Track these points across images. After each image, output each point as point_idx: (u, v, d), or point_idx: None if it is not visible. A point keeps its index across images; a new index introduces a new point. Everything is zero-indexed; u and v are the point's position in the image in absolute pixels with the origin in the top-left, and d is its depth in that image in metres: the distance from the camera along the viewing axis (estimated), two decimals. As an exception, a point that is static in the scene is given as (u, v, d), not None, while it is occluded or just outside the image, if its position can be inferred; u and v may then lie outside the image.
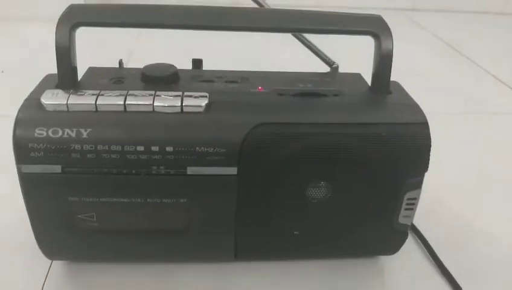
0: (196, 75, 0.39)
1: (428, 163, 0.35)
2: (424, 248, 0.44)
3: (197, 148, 0.33)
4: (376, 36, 0.37)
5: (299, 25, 0.37)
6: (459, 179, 0.56)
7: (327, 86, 0.39)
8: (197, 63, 0.41)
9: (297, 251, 0.40)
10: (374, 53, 0.38)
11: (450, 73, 0.91)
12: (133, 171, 0.33)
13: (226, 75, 0.40)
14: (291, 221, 0.37)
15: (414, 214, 0.38)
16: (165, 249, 0.38)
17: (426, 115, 0.36)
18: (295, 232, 0.37)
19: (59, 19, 0.35)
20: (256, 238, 0.38)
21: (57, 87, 0.35)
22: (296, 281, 0.41)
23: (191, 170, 0.33)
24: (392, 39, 0.37)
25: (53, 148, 0.32)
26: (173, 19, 0.36)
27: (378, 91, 0.38)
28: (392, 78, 0.39)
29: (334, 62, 0.42)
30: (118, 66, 0.41)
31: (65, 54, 0.35)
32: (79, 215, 0.35)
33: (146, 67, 0.38)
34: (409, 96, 0.38)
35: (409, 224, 0.38)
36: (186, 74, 0.39)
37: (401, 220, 0.38)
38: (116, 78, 0.38)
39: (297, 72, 0.42)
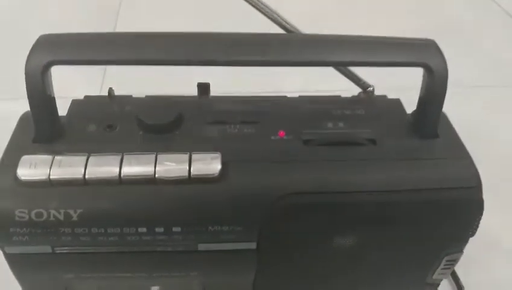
0: (203, 112, 0.32)
1: (476, 229, 0.31)
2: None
3: (209, 227, 0.28)
4: (429, 69, 0.30)
5: (337, 57, 0.29)
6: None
7: (361, 124, 0.32)
8: (204, 88, 0.34)
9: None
10: (423, 86, 0.31)
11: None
12: (135, 250, 0.29)
13: (240, 110, 0.33)
14: (315, 277, 0.34)
15: (451, 271, 0.34)
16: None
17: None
18: (318, 293, 0.34)
19: (28, 58, 0.28)
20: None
21: (35, 141, 0.29)
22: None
23: (202, 247, 0.29)
24: (447, 73, 0.30)
25: (39, 231, 0.27)
26: (177, 54, 0.28)
27: (423, 134, 0.32)
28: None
29: (369, 85, 0.35)
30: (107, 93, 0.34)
31: (39, 101, 0.28)
32: (78, 287, 0.31)
33: (143, 110, 0.31)
34: (459, 141, 0.32)
35: (442, 279, 0.35)
36: (190, 109, 0.32)
37: (436, 276, 0.34)
38: (107, 121, 0.31)
39: (323, 97, 0.35)
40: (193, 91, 0.35)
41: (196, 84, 0.34)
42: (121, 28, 0.70)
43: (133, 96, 0.35)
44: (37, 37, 0.29)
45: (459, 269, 0.39)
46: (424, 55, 0.30)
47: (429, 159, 0.31)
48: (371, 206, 0.29)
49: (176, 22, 0.61)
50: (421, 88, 0.32)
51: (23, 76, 0.28)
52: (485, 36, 0.76)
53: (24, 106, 0.29)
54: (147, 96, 0.35)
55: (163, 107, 0.31)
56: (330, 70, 0.37)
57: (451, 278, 0.41)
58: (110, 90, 0.33)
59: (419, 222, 0.30)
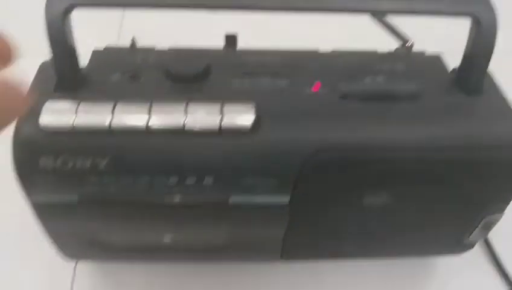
0: (232, 64, 0.30)
1: (520, 190, 0.29)
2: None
3: (242, 180, 0.27)
4: (476, 20, 0.27)
5: (375, 4, 0.27)
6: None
7: (401, 79, 0.30)
8: (231, 40, 0.32)
9: (349, 254, 0.36)
10: (469, 38, 0.29)
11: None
12: (165, 201, 0.28)
13: (270, 62, 0.31)
14: (346, 233, 0.32)
15: (488, 233, 0.33)
16: (203, 257, 0.34)
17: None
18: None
19: (47, 2, 0.26)
20: (306, 246, 0.33)
21: (56, 89, 0.28)
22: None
23: (233, 199, 0.28)
24: (497, 24, 0.28)
25: (65, 180, 0.26)
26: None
27: (466, 90, 0.30)
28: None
29: (408, 39, 0.33)
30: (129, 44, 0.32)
31: (61, 48, 0.26)
32: (104, 236, 0.30)
33: (169, 60, 0.29)
34: (504, 99, 0.30)
35: (478, 240, 0.33)
36: (219, 60, 0.30)
37: (472, 238, 0.33)
38: (131, 71, 0.29)
39: (360, 51, 0.33)
40: (215, 43, 0.33)
41: (222, 35, 0.32)
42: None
43: (156, 48, 0.33)
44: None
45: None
46: (471, 4, 0.27)
47: (473, 116, 0.29)
48: (410, 164, 0.28)
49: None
50: (468, 41, 0.29)
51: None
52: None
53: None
54: (170, 49, 0.33)
55: (190, 58, 0.29)
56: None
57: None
58: (133, 40, 0.31)
59: (460, 181, 0.29)
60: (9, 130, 0.25)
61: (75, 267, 0.37)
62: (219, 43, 0.33)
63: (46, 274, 0.37)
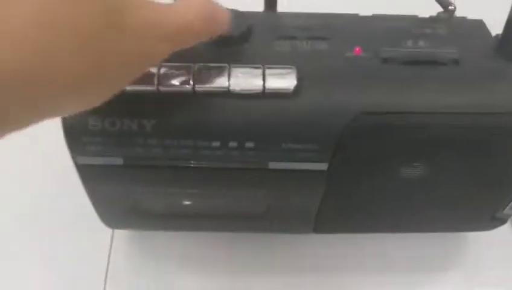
0: (271, 26, 0.30)
1: (562, 158, 0.29)
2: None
3: (282, 144, 0.27)
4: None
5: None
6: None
7: (443, 44, 0.30)
8: (271, 2, 0.32)
9: (381, 228, 0.36)
10: (515, 1, 0.28)
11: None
12: (207, 165, 0.28)
13: (310, 26, 0.30)
14: (380, 206, 0.33)
15: (524, 204, 0.33)
16: (239, 227, 0.35)
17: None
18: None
19: None
20: (339, 219, 0.34)
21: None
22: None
23: (273, 165, 0.28)
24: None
25: (111, 141, 0.27)
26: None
27: (509, 57, 0.29)
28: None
29: (450, 3, 0.32)
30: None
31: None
32: (145, 202, 0.31)
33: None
34: (550, 65, 0.29)
35: (512, 214, 0.33)
36: (258, 22, 0.30)
37: (507, 211, 0.33)
38: (173, 33, 0.30)
39: (400, 16, 0.32)
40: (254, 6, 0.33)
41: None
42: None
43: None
44: None
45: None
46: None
47: (516, 83, 0.28)
48: (451, 129, 0.27)
49: None
50: (513, 5, 0.29)
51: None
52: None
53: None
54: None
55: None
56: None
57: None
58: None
59: (498, 149, 0.29)
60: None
61: (112, 233, 0.39)
62: (259, 6, 0.33)
63: (85, 239, 0.38)
